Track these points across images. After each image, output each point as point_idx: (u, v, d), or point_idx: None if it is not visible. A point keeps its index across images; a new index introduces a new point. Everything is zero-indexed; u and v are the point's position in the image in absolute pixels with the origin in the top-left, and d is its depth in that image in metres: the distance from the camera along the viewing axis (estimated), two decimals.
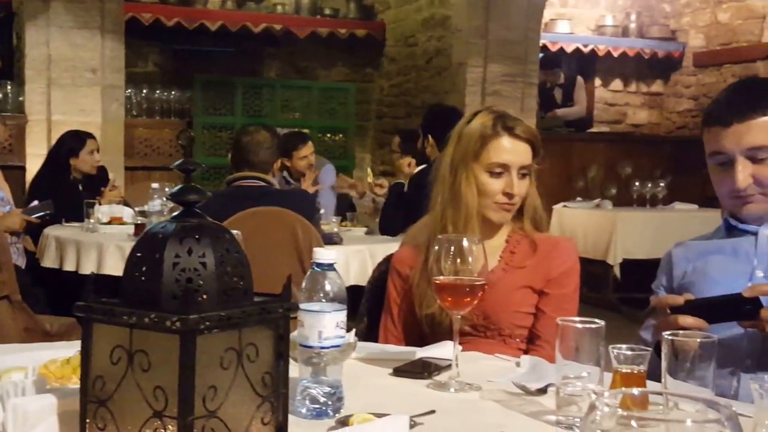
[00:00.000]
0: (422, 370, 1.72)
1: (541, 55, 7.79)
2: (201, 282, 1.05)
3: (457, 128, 2.19)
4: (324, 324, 1.41)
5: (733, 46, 8.91)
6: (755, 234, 1.90)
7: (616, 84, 10.06)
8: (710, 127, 1.88)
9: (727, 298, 1.70)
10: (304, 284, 1.44)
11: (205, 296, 1.05)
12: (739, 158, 1.83)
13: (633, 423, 0.60)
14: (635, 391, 0.68)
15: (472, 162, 2.12)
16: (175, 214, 1.13)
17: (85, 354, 1.08)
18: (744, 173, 1.83)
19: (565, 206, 7.24)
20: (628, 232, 6.66)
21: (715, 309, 1.69)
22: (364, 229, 4.90)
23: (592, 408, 0.60)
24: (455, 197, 2.13)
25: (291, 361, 1.14)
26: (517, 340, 2.12)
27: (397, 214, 4.53)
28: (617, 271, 6.70)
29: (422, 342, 2.06)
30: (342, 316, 1.44)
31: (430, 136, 4.64)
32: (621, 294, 6.70)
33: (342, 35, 8.58)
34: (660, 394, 0.86)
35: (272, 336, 1.11)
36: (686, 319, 1.64)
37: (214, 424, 1.03)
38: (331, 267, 1.45)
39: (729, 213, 1.97)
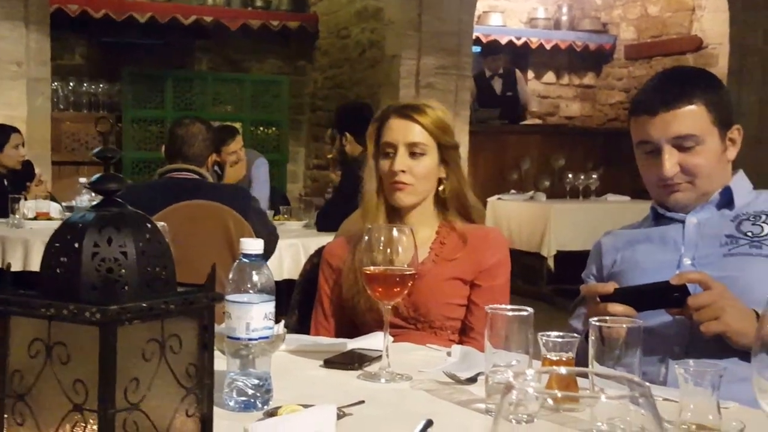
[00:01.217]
0: (353, 361, 1.72)
1: (477, 48, 7.86)
2: (122, 272, 1.02)
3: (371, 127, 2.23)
4: (252, 315, 1.40)
5: (663, 38, 9.07)
6: (682, 222, 1.93)
7: (549, 76, 10.17)
8: (637, 116, 1.91)
9: (656, 286, 1.72)
10: (231, 275, 1.42)
11: (126, 287, 1.02)
12: (665, 147, 1.85)
13: (549, 400, 0.60)
14: (560, 370, 0.67)
15: (374, 150, 2.17)
16: (94, 203, 1.10)
17: (2, 348, 1.05)
18: (671, 161, 1.86)
19: (499, 199, 7.30)
20: (561, 224, 6.73)
21: (644, 297, 1.71)
22: (300, 222, 4.87)
23: (509, 388, 0.59)
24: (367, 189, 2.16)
25: (219, 353, 1.12)
26: (449, 332, 2.13)
27: (334, 209, 4.51)
28: (551, 263, 6.77)
29: (353, 334, 2.06)
30: (270, 307, 1.42)
31: (347, 134, 4.66)
32: (555, 286, 6.78)
33: (274, 27, 8.51)
34: (583, 375, 0.86)
35: (196, 327, 1.09)
36: (615, 307, 1.66)
37: (136, 417, 1.00)
38: (258, 258, 1.43)
39: (657, 201, 2.00)
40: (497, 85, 8.66)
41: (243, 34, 8.45)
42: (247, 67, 8.81)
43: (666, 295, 1.69)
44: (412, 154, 2.12)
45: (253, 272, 1.42)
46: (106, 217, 1.05)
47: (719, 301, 1.65)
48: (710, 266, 1.83)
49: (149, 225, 1.08)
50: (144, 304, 1.01)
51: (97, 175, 1.10)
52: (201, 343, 1.09)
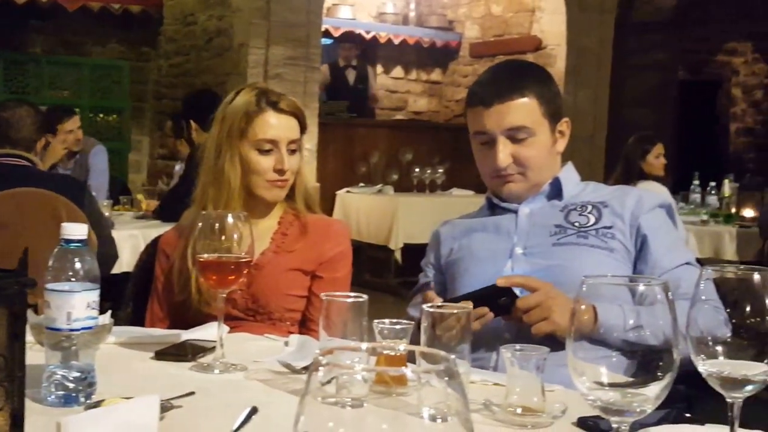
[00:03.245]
0: (185, 352, 1.66)
1: (327, 40, 7.83)
2: None
3: (221, 108, 2.14)
4: (73, 305, 1.32)
5: (506, 37, 9.32)
6: (515, 212, 1.97)
7: (398, 71, 10.29)
8: (473, 108, 1.94)
9: (483, 292, 1.74)
10: (50, 262, 1.34)
11: None
12: (500, 138, 1.89)
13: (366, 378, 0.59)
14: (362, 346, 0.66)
15: (239, 140, 2.08)
16: None
17: None
18: (504, 152, 1.90)
19: (348, 192, 7.32)
20: (408, 217, 6.81)
21: (475, 303, 1.74)
22: (138, 212, 4.72)
23: (316, 365, 0.57)
24: (218, 177, 2.08)
25: (39, 346, 1.05)
26: (288, 323, 2.10)
27: (177, 198, 4.39)
28: (398, 255, 6.84)
29: (190, 326, 1.99)
30: (94, 296, 1.35)
31: (192, 122, 4.57)
32: (402, 278, 6.84)
33: (115, 11, 8.20)
34: (407, 351, 0.85)
35: (6, 314, 1.02)
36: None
37: None
38: (81, 243, 1.35)
39: (491, 191, 2.04)
40: (350, 76, 8.67)
41: (82, 16, 8.11)
42: (86, 50, 8.46)
43: (495, 300, 1.73)
44: (291, 151, 2.11)
45: (75, 259, 1.34)
46: None
47: (546, 301, 1.69)
48: (540, 255, 1.88)
49: None
50: None
51: None
52: (11, 332, 1.03)
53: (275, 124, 2.08)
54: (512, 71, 2.01)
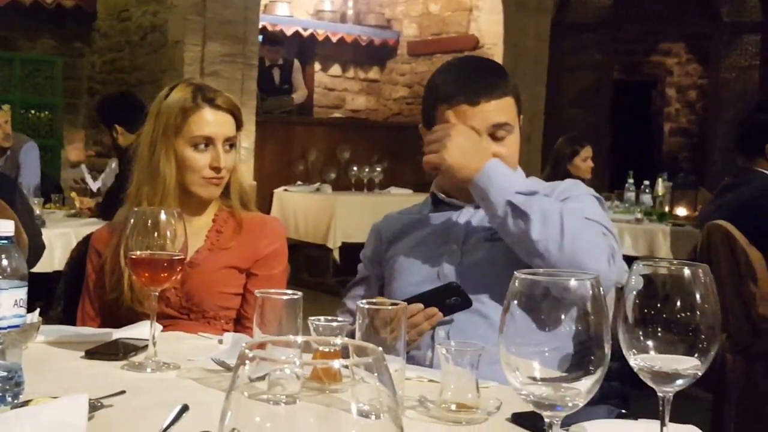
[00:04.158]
0: (117, 351, 1.63)
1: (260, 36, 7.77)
2: None
3: (156, 103, 2.10)
4: (0, 302, 1.29)
5: (444, 36, 9.37)
6: (459, 209, 1.98)
7: (335, 69, 10.26)
8: (454, 106, 1.87)
9: (435, 291, 1.77)
10: None
11: None
12: (484, 135, 1.87)
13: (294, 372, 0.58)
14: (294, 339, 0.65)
15: (174, 137, 2.05)
16: None
17: None
18: (491, 150, 1.89)
19: (285, 190, 7.28)
20: (346, 216, 6.79)
21: (425, 303, 1.75)
22: (70, 211, 4.62)
23: (243, 358, 0.56)
24: (152, 174, 2.04)
25: None
26: (222, 321, 2.08)
27: (115, 196, 4.32)
28: (337, 255, 6.82)
29: (122, 325, 1.96)
30: (21, 293, 1.32)
31: (117, 126, 4.49)
32: (341, 278, 6.83)
33: (48, 5, 8.03)
34: (341, 347, 0.85)
35: None
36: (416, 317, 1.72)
37: None
38: (8, 240, 1.32)
39: (438, 187, 2.04)
40: (276, 75, 8.60)
41: (13, 10, 7.92)
42: (17, 45, 8.26)
43: (444, 300, 1.75)
44: (228, 147, 2.09)
45: (2, 256, 1.31)
46: None
47: (445, 139, 1.78)
48: (475, 252, 1.89)
49: None
50: None
51: None
52: None
53: (211, 121, 2.06)
54: (489, 69, 1.99)
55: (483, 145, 1.83)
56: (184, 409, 1.22)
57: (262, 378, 0.65)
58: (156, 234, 1.60)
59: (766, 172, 3.18)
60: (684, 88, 10.87)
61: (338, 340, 1.40)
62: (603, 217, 1.83)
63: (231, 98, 2.12)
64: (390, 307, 1.36)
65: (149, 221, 1.60)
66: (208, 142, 2.06)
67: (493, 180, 1.77)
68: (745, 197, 3.12)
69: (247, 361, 0.55)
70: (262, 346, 0.68)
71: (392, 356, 1.33)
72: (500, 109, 1.88)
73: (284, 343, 0.90)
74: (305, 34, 9.56)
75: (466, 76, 1.92)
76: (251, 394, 0.61)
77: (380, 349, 0.59)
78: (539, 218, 1.72)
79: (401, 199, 7.07)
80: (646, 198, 6.02)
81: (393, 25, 10.15)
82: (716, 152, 8.63)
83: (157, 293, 1.61)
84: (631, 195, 6.10)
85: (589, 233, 1.74)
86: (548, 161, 5.77)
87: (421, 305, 1.74)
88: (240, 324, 2.09)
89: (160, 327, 1.70)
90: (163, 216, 1.62)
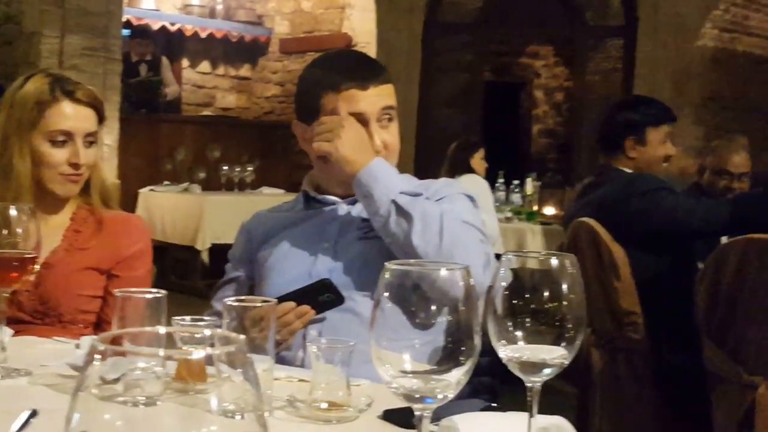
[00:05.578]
0: None
1: (128, 31, 7.53)
2: None
3: (8, 95, 1.99)
4: None
5: (316, 34, 9.31)
6: (332, 206, 1.94)
7: (205, 66, 10.04)
8: (342, 91, 1.86)
9: (307, 289, 1.74)
10: None
11: None
12: (372, 120, 1.87)
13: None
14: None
15: (29, 131, 1.95)
16: None
17: None
18: (380, 137, 1.88)
19: (152, 190, 7.08)
20: (216, 217, 6.64)
21: (297, 301, 1.71)
22: None
23: (93, 352, 0.50)
24: (6, 170, 1.94)
25: None
26: (81, 325, 1.99)
27: None
28: (205, 256, 6.68)
29: None
30: None
31: None
32: (210, 280, 6.67)
33: None
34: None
35: None
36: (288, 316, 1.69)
37: None
38: None
39: (310, 185, 2.00)
40: (143, 71, 8.37)
41: None
42: None
43: (317, 297, 1.73)
44: (88, 144, 2.00)
45: None
46: None
47: (338, 129, 1.78)
48: (346, 250, 1.86)
49: None
50: None
51: None
52: None
53: (71, 115, 1.96)
54: (370, 58, 2.06)
55: (370, 144, 1.84)
56: (33, 414, 1.14)
57: (117, 380, 0.60)
58: (5, 231, 1.50)
59: (626, 170, 3.28)
60: (551, 90, 11.18)
61: (206, 331, 1.35)
62: (479, 222, 1.85)
63: (92, 91, 2.04)
64: (260, 305, 1.32)
65: None
66: (67, 137, 1.96)
67: (379, 178, 1.78)
68: (607, 195, 3.21)
69: (98, 356, 0.49)
70: (117, 340, 0.62)
71: (261, 356, 1.29)
72: (388, 92, 1.90)
73: (144, 337, 0.84)
74: (172, 29, 9.31)
75: (352, 63, 1.94)
76: (104, 396, 0.56)
77: (243, 337, 0.55)
78: (420, 220, 1.73)
79: (273, 199, 6.98)
80: (516, 197, 6.17)
81: (264, 22, 10.01)
82: (582, 152, 8.90)
83: (6, 295, 1.52)
84: (501, 194, 6.23)
85: (467, 238, 1.77)
86: (443, 164, 5.84)
87: (292, 303, 1.70)
88: (100, 329, 2.01)
89: (11, 331, 1.60)
90: (13, 212, 1.52)
